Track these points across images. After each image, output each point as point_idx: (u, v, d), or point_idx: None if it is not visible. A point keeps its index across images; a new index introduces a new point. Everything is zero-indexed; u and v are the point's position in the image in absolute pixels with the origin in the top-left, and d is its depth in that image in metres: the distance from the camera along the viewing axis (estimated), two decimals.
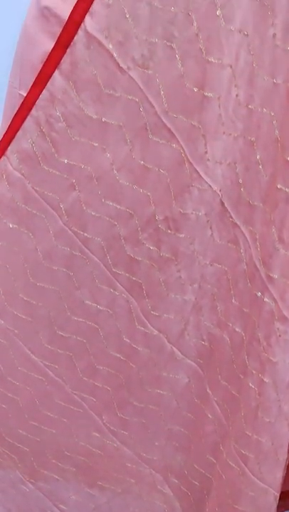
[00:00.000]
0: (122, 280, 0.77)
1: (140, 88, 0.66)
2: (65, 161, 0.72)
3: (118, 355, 0.83)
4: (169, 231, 0.73)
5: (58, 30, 0.71)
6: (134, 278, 0.77)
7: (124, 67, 0.65)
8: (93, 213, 0.74)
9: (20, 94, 0.79)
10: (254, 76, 0.67)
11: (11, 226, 0.79)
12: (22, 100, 0.79)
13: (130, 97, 0.67)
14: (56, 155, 0.72)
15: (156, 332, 0.80)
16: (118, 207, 0.73)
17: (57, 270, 0.79)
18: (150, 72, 0.65)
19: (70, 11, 0.70)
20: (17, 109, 0.78)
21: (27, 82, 0.77)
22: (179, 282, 0.77)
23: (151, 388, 0.85)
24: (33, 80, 0.75)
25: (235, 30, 0.63)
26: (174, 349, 0.83)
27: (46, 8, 0.72)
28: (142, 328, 0.80)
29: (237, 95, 0.67)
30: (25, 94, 0.78)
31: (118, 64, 0.65)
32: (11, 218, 0.78)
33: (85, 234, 0.76)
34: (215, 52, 0.63)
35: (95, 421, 0.90)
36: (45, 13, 0.72)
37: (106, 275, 0.78)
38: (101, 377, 0.86)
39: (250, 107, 0.68)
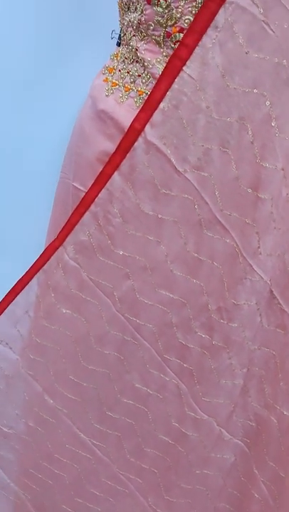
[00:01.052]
0: (173, 366, 0.79)
1: (195, 188, 0.70)
2: (121, 252, 0.75)
3: (166, 438, 0.84)
4: (222, 321, 0.75)
5: (114, 131, 0.76)
6: (185, 365, 0.78)
7: (181, 170, 0.69)
8: (146, 301, 0.77)
9: (73, 185, 0.84)
10: None
11: (64, 311, 0.81)
12: (75, 191, 0.84)
13: (185, 196, 0.71)
14: (112, 247, 0.75)
15: (206, 417, 0.81)
16: (171, 296, 0.76)
17: (108, 354, 0.82)
18: (205, 174, 0.69)
19: (126, 114, 0.75)
20: (74, 204, 0.82)
21: (81, 176, 0.82)
22: (230, 369, 0.78)
23: (199, 470, 0.86)
24: (89, 174, 0.80)
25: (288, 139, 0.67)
26: (223, 430, 0.84)
27: (103, 111, 0.77)
28: (192, 414, 0.81)
29: (287, 194, 0.71)
30: (79, 186, 0.83)
31: (175, 167, 0.69)
32: (64, 304, 0.81)
33: (138, 320, 0.78)
34: (269, 159, 0.67)
35: (140, 502, 0.90)
36: (102, 116, 0.77)
37: (157, 361, 0.79)
38: (148, 459, 0.86)
39: None
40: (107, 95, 0.77)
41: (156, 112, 0.67)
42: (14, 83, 0.95)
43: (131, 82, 0.75)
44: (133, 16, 0.73)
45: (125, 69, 0.76)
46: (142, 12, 0.71)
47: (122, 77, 0.76)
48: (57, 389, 0.87)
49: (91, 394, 0.85)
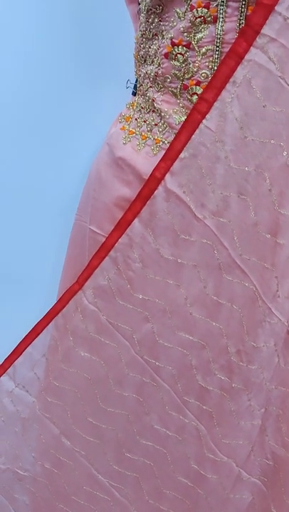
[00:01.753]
0: (192, 408, 0.80)
1: (215, 234, 0.72)
2: (140, 296, 0.77)
3: (185, 480, 0.84)
4: (241, 363, 0.76)
5: (132, 178, 0.78)
6: (204, 407, 0.79)
7: (200, 216, 0.71)
8: (166, 344, 0.78)
9: (90, 228, 0.85)
10: None
11: (82, 354, 0.82)
12: (92, 234, 0.85)
13: (205, 241, 0.72)
14: (131, 291, 0.77)
15: (225, 459, 0.81)
16: (191, 338, 0.77)
17: (127, 396, 0.82)
18: (224, 220, 0.71)
19: (143, 162, 0.77)
20: (91, 246, 0.84)
21: (98, 219, 0.83)
22: (249, 410, 0.79)
23: (218, 511, 0.86)
24: (106, 218, 0.81)
25: None
26: (241, 471, 0.84)
27: (121, 158, 0.79)
28: (212, 456, 0.81)
29: None
30: (96, 230, 0.84)
31: (194, 214, 0.71)
32: (83, 347, 0.82)
33: (157, 363, 0.79)
34: (287, 206, 0.69)
35: None
36: (120, 163, 0.79)
37: (176, 402, 0.80)
38: (167, 501, 0.86)
39: None
40: (124, 143, 0.79)
41: (177, 161, 0.69)
42: (32, 127, 0.98)
43: (148, 131, 0.77)
44: (150, 69, 0.75)
45: (142, 118, 0.78)
46: (158, 65, 0.73)
47: (138, 126, 0.79)
48: (74, 431, 0.87)
49: (110, 435, 0.85)
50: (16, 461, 0.94)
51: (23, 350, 0.86)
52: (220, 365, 0.77)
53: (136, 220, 0.73)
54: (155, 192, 0.71)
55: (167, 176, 0.70)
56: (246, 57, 0.64)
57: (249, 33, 0.62)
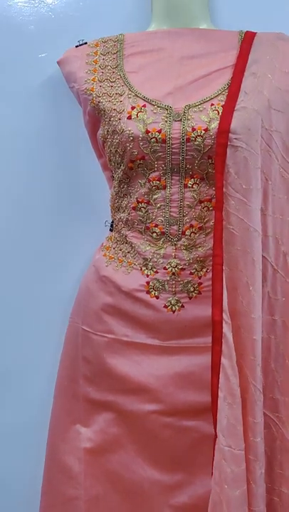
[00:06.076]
0: None
1: None
2: None
3: None
4: None
5: (113, 289, 1.08)
6: None
7: None
8: None
9: (82, 328, 1.13)
10: None
11: None
12: (83, 332, 1.13)
13: None
14: None
15: None
16: None
17: None
18: None
19: (121, 278, 1.07)
20: (83, 342, 1.11)
21: (89, 321, 1.12)
22: None
23: None
24: (95, 320, 1.10)
25: None
26: None
27: (104, 276, 1.10)
28: None
29: None
30: (87, 328, 1.12)
31: None
32: None
33: None
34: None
35: None
36: (104, 280, 1.10)
37: None
38: None
39: None
40: (106, 265, 1.10)
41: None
42: (35, 253, 1.32)
43: (123, 256, 1.09)
44: (122, 215, 1.09)
45: (118, 247, 1.11)
46: (128, 214, 1.07)
47: (116, 253, 1.11)
48: None
49: None
50: None
51: None
52: None
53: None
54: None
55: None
56: None
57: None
